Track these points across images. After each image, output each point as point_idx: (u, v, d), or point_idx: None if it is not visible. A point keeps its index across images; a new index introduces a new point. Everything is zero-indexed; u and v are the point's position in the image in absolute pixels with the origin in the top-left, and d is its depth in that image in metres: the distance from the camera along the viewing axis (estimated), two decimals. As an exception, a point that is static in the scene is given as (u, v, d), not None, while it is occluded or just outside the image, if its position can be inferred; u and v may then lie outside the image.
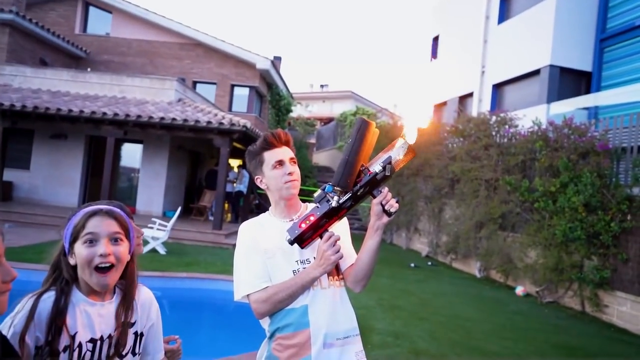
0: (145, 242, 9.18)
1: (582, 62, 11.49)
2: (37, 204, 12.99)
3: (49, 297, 1.31)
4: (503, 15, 13.76)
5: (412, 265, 10.43)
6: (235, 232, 11.77)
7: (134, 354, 1.45)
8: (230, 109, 18.42)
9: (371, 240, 1.72)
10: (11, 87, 13.62)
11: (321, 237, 1.66)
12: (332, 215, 1.64)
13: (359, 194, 1.64)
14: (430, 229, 12.28)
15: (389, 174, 1.63)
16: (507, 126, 9.71)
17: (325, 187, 1.65)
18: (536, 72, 11.87)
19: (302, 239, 1.62)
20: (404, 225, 13.43)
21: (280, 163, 1.77)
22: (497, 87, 13.88)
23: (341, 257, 1.67)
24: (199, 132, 11.49)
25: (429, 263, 11.16)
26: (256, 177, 1.86)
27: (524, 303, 7.77)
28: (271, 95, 21.34)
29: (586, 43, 11.46)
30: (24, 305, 1.27)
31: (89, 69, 16.82)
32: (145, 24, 18.85)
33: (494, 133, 9.95)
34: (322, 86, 42.81)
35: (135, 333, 1.46)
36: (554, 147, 8.07)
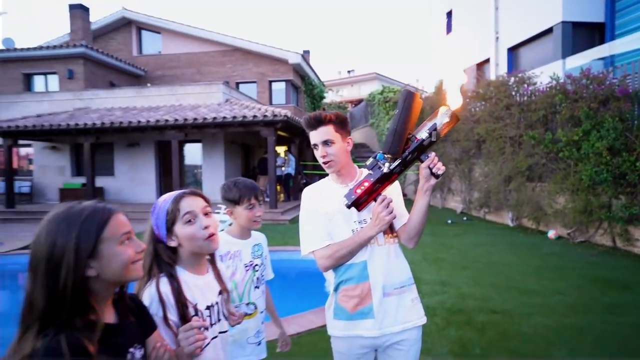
0: (215, 226, 9.53)
1: (594, 14, 10.66)
2: (123, 203, 13.69)
3: (164, 283, 1.32)
4: (512, -20, 12.95)
5: (449, 221, 10.28)
6: (289, 210, 11.97)
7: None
8: (270, 103, 18.54)
9: (421, 201, 1.71)
10: (91, 109, 14.34)
11: (375, 200, 1.66)
12: (384, 180, 1.64)
13: (407, 159, 1.64)
14: (462, 188, 12.01)
15: (435, 140, 1.61)
16: (525, 85, 9.25)
17: (377, 155, 1.65)
18: (549, 31, 11.15)
19: (358, 203, 1.64)
20: (438, 186, 13.15)
21: (315, 146, 1.78)
22: (512, 50, 13.17)
23: (394, 218, 1.67)
24: (247, 126, 11.66)
25: (464, 218, 10.96)
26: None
27: (556, 245, 7.52)
28: (305, 85, 21.26)
29: (597, -6, 10.61)
30: (150, 296, 1.28)
31: (148, 85, 17.37)
32: (189, 38, 19.15)
33: (513, 93, 9.51)
34: (349, 72, 42.11)
35: (228, 297, 1.56)
36: (574, 99, 7.62)
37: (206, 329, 1.31)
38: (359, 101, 29.27)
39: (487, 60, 14.15)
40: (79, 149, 14.39)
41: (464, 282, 5.27)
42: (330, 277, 1.81)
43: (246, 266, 2.05)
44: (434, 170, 1.64)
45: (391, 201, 1.67)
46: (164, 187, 14.49)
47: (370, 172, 1.66)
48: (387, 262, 1.73)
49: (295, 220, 10.78)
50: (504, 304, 4.49)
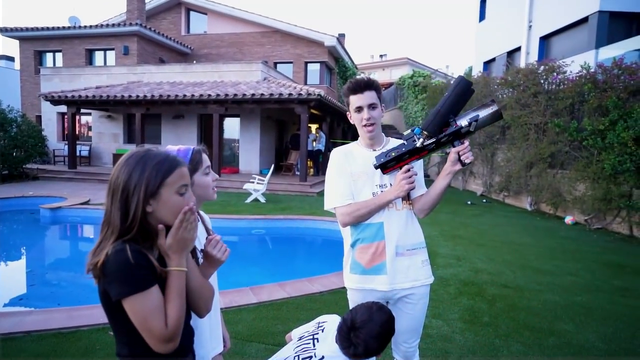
0: (249, 194, 9.76)
1: (632, 3, 9.87)
2: (168, 169, 14.15)
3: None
4: (550, -32, 12.14)
5: (469, 202, 10.12)
6: (317, 184, 12.06)
7: None
8: (305, 82, 18.45)
9: (442, 181, 1.71)
10: (142, 83, 14.71)
11: (401, 168, 1.67)
12: (414, 153, 1.65)
13: (442, 141, 1.62)
14: (484, 172, 11.73)
15: (472, 131, 1.59)
16: (555, 73, 8.81)
17: (415, 129, 1.64)
18: (584, 20, 10.47)
19: (385, 167, 1.66)
20: (461, 170, 12.88)
21: (359, 109, 1.75)
22: (544, 39, 12.48)
23: (413, 188, 1.70)
24: (282, 103, 11.70)
25: (484, 200, 10.76)
26: (347, 112, 1.85)
27: (573, 230, 7.31)
28: (338, 67, 20.97)
29: (636, -17, 9.80)
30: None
31: (194, 62, 17.61)
32: (232, 19, 19.14)
33: (542, 81, 9.09)
34: (381, 56, 41.04)
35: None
36: (603, 88, 7.23)
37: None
38: (390, 85, 28.62)
39: (518, 49, 13.48)
40: (131, 118, 14.89)
41: (479, 258, 5.24)
42: (347, 235, 1.84)
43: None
44: (462, 158, 1.63)
45: (416, 174, 1.69)
46: (205, 157, 14.81)
47: (404, 142, 1.67)
48: (402, 226, 1.75)
49: (322, 194, 10.89)
50: (515, 280, 4.46)
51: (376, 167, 1.68)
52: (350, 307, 1.83)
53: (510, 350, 2.93)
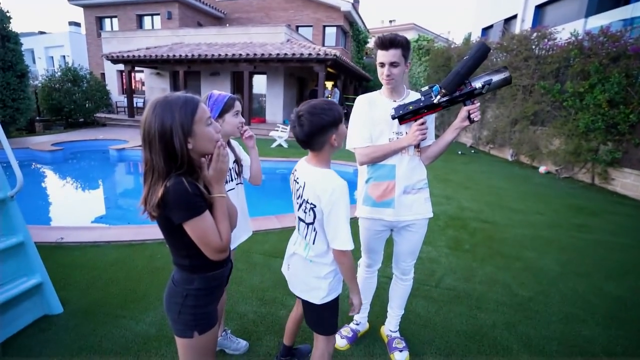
0: (274, 140, 9.75)
1: (626, -28, 8.77)
2: (208, 119, 14.09)
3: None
4: (553, -64, 10.70)
5: (459, 152, 9.93)
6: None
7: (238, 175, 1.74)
8: (323, 44, 17.49)
9: (449, 135, 1.66)
10: (184, 44, 14.19)
11: (416, 121, 1.62)
12: (430, 108, 1.58)
13: (456, 99, 1.55)
14: (473, 126, 11.34)
15: (484, 92, 1.52)
16: (546, 39, 8.11)
17: (434, 86, 1.56)
18: (579, -12, 9.41)
19: (403, 118, 1.61)
20: (441, 119, 12.49)
21: (382, 65, 1.64)
22: (540, 7, 11.34)
23: (425, 139, 1.65)
24: (303, 62, 11.22)
25: (472, 151, 10.52)
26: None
27: (544, 178, 7.18)
28: (352, 31, 19.70)
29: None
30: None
31: (227, 25, 16.76)
32: (260, -15, 17.80)
33: (533, 47, 8.40)
34: (390, 21, 38.18)
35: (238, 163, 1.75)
36: (587, 54, 6.67)
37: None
38: (396, 48, 26.92)
39: (515, 17, 12.35)
40: (175, 75, 14.58)
41: (464, 199, 5.26)
42: (363, 172, 1.81)
43: None
44: (472, 116, 1.56)
45: (427, 128, 1.64)
46: (238, 109, 14.63)
47: (422, 98, 1.59)
48: (411, 169, 1.72)
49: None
50: (493, 216, 4.49)
51: (393, 118, 1.61)
52: (360, 233, 1.88)
53: (484, 271, 3.03)
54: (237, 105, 1.59)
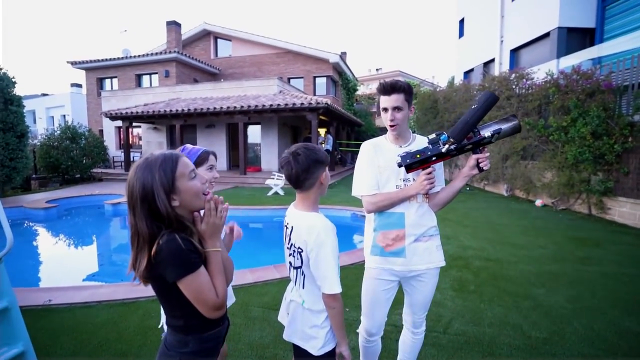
0: (270, 188, 9.80)
1: (586, 20, 9.62)
2: (204, 169, 14.25)
3: None
4: (518, -9, 11.84)
5: (453, 190, 9.98)
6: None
7: None
8: (314, 94, 18.35)
9: (458, 183, 1.63)
10: (180, 99, 14.81)
11: (423, 169, 1.58)
12: (438, 157, 1.54)
13: (464, 148, 1.52)
14: (465, 164, 11.54)
15: (493, 141, 1.51)
16: (524, 79, 8.62)
17: (442, 135, 1.52)
18: (546, 35, 10.21)
19: (410, 167, 1.56)
20: (447, 163, 12.75)
21: (385, 110, 1.63)
22: (514, 51, 12.18)
23: (433, 188, 1.61)
24: (295, 111, 11.67)
25: (467, 189, 10.63)
26: (374, 109, 1.73)
27: (542, 211, 7.19)
28: (342, 80, 20.81)
29: (589, 3, 9.52)
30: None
31: (222, 80, 17.63)
32: (252, 43, 19.09)
33: (513, 86, 8.90)
34: (377, 69, 40.54)
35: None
36: (565, 91, 7.05)
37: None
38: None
39: (493, 60, 13.21)
40: (172, 129, 15.02)
41: (464, 237, 5.20)
42: (370, 220, 1.75)
43: None
44: (481, 165, 1.53)
45: (435, 176, 1.60)
46: (232, 158, 14.93)
47: (430, 146, 1.54)
48: (420, 216, 1.65)
49: (331, 186, 10.88)
50: (496, 254, 4.42)
51: (400, 166, 1.56)
52: (367, 284, 1.73)
53: (493, 313, 2.91)
54: (212, 160, 1.56)
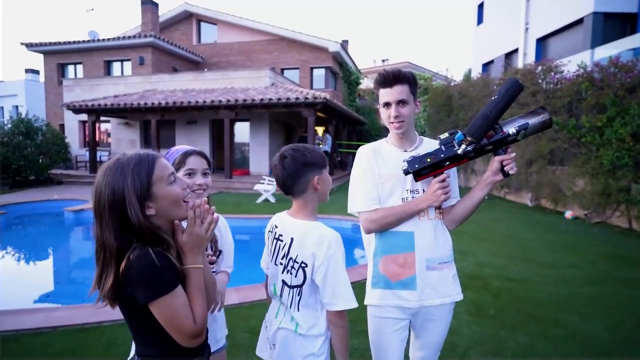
0: (260, 194, 9.76)
1: (626, 4, 9.72)
2: (183, 172, 14.22)
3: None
4: (545, -28, 11.98)
5: (470, 199, 9.99)
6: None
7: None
8: (311, 87, 18.43)
9: (480, 193, 1.51)
10: (157, 91, 14.80)
11: (435, 176, 1.46)
12: (453, 160, 1.44)
13: (485, 149, 1.42)
14: (484, 169, 11.56)
15: (519, 139, 1.39)
16: (552, 73, 8.68)
17: (456, 134, 1.41)
18: (579, 21, 10.32)
19: (419, 174, 1.45)
20: (461, 167, 12.79)
21: (387, 105, 1.52)
22: (541, 41, 12.32)
23: (448, 199, 1.50)
24: (290, 107, 11.69)
25: (486, 197, 10.61)
26: (377, 106, 1.61)
27: (573, 224, 7.19)
28: (342, 72, 20.93)
29: (631, -16, 9.64)
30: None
31: (205, 70, 17.67)
32: (240, 28, 19.18)
33: (540, 81, 8.96)
34: (383, 60, 40.86)
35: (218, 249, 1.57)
36: (600, 87, 7.10)
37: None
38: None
39: (516, 50, 13.34)
40: (147, 125, 14.99)
41: (482, 253, 5.17)
42: (371, 242, 1.61)
43: None
44: (506, 168, 1.42)
45: (450, 184, 1.48)
46: (216, 160, 14.90)
47: (442, 147, 1.44)
48: (434, 237, 1.54)
49: (330, 192, 10.84)
50: (519, 273, 4.39)
51: (406, 173, 1.45)
52: (370, 329, 1.61)
53: (517, 342, 2.87)
54: (191, 162, 1.44)
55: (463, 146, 1.40)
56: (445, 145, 1.44)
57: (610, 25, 9.76)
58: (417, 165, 1.43)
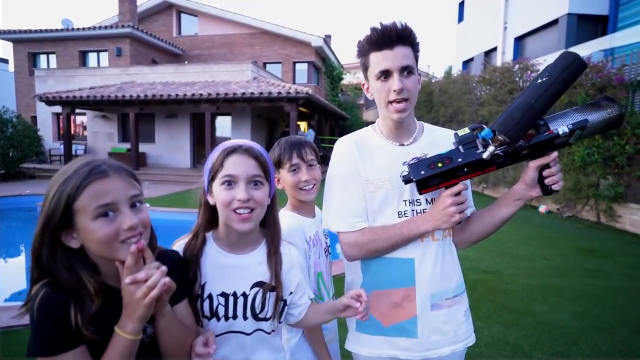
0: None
1: (598, 7, 10.07)
2: (163, 167, 14.03)
3: (180, 244, 1.03)
4: (523, -28, 12.26)
5: (449, 194, 10.19)
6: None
7: (273, 318, 1.01)
8: (293, 82, 18.34)
9: (506, 210, 1.11)
10: (136, 83, 14.44)
11: (447, 188, 1.05)
12: (476, 167, 1.01)
13: (521, 154, 1.01)
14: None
15: (572, 143, 1.01)
16: (529, 71, 8.92)
17: (484, 129, 0.98)
18: (555, 22, 10.63)
19: (425, 184, 1.03)
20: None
21: (385, 74, 1.07)
22: (519, 40, 12.64)
23: (464, 219, 1.12)
24: (272, 101, 11.61)
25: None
26: (362, 83, 1.19)
27: (546, 218, 7.44)
28: (325, 67, 20.90)
29: (603, -13, 10.00)
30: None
31: (186, 62, 17.36)
32: (222, 21, 18.89)
33: (517, 79, 9.19)
34: (366, 56, 41.00)
35: (277, 297, 1.01)
36: (573, 86, 7.32)
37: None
38: (374, 84, 28.65)
39: (495, 49, 13.63)
40: (125, 118, 14.61)
41: (460, 246, 5.29)
42: (355, 271, 1.20)
43: (325, 251, 1.40)
44: (547, 181, 1.02)
45: (466, 199, 1.06)
46: (196, 155, 14.69)
47: (460, 148, 1.02)
48: (440, 263, 1.14)
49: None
50: (494, 265, 4.53)
51: (407, 182, 1.05)
52: None
53: (490, 331, 2.97)
54: (236, 164, 0.98)
55: (491, 148, 0.96)
56: (465, 146, 1.01)
57: (583, 27, 10.11)
58: (423, 172, 1.01)
